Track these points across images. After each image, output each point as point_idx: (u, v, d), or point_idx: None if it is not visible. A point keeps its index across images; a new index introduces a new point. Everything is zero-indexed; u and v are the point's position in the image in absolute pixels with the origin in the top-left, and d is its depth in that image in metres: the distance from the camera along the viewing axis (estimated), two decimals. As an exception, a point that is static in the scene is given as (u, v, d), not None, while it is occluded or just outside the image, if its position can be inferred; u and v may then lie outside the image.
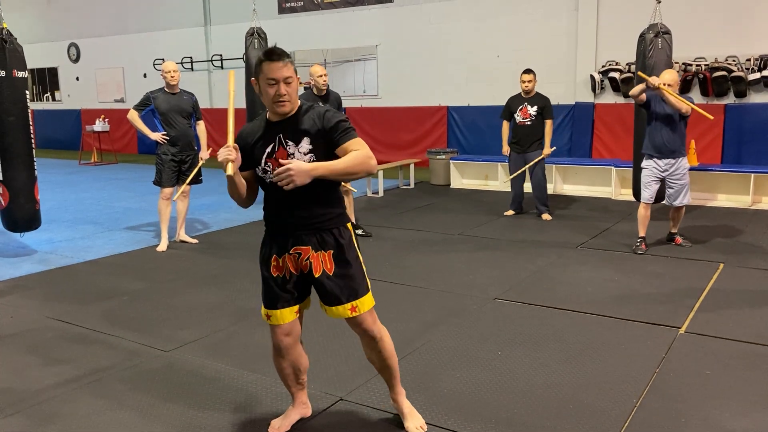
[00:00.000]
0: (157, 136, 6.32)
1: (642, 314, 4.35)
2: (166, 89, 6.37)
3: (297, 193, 2.56)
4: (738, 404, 3.13)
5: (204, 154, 6.61)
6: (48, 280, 5.46)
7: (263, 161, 2.66)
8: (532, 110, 7.32)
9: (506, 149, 7.61)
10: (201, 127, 6.71)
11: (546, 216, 7.48)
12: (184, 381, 3.52)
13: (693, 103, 5.65)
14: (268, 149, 2.66)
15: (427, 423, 3.01)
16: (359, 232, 6.80)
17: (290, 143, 2.64)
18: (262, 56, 2.59)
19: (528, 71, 7.39)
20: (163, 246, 6.41)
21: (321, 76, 6.37)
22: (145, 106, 6.34)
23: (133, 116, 6.32)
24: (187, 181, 6.47)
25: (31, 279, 5.54)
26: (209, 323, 4.38)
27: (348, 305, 2.72)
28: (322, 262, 2.70)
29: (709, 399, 3.19)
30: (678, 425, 2.95)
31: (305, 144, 2.62)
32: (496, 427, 2.97)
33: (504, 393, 3.30)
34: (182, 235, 6.70)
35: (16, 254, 6.40)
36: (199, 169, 6.58)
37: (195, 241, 6.70)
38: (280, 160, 2.57)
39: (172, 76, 6.30)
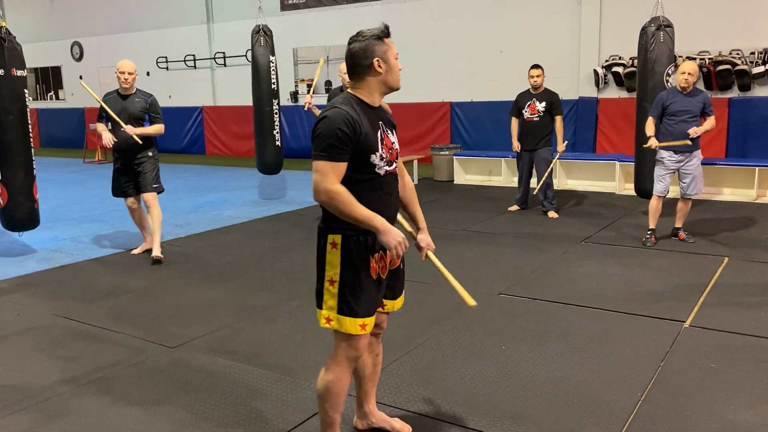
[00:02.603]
0: (106, 138, 5.69)
1: (647, 308, 4.35)
2: (120, 91, 5.82)
3: (396, 184, 2.57)
4: (743, 397, 3.13)
5: (130, 130, 5.65)
6: (53, 278, 5.48)
7: (380, 148, 2.43)
8: (540, 106, 7.26)
9: (516, 145, 7.48)
10: (155, 126, 5.87)
11: (552, 214, 7.40)
12: (190, 377, 3.54)
13: (710, 103, 5.81)
14: (378, 136, 2.45)
15: (432, 417, 3.02)
16: None
17: (388, 132, 2.53)
18: (383, 33, 2.44)
19: (536, 66, 7.32)
20: (140, 249, 6.15)
21: (346, 73, 6.35)
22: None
23: (99, 125, 5.89)
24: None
25: (37, 277, 5.56)
26: (214, 320, 4.40)
27: (402, 296, 2.74)
28: None
29: (713, 392, 3.19)
30: (683, 418, 2.95)
31: (395, 135, 2.59)
32: (501, 420, 2.98)
33: (509, 387, 3.31)
34: (154, 248, 5.88)
35: (21, 252, 6.42)
36: (159, 179, 5.95)
37: (160, 256, 5.84)
38: (418, 237, 2.61)
39: (125, 79, 5.68)
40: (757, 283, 4.82)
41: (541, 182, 7.34)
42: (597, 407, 3.07)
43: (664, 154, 5.87)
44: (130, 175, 5.87)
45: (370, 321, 2.49)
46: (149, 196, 5.85)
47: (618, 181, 8.92)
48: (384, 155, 2.45)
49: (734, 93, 9.16)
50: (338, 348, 2.53)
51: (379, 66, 2.41)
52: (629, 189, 8.67)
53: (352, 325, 2.46)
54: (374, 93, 2.47)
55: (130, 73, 5.69)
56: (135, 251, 6.17)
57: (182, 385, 3.43)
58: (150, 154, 5.88)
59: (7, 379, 3.57)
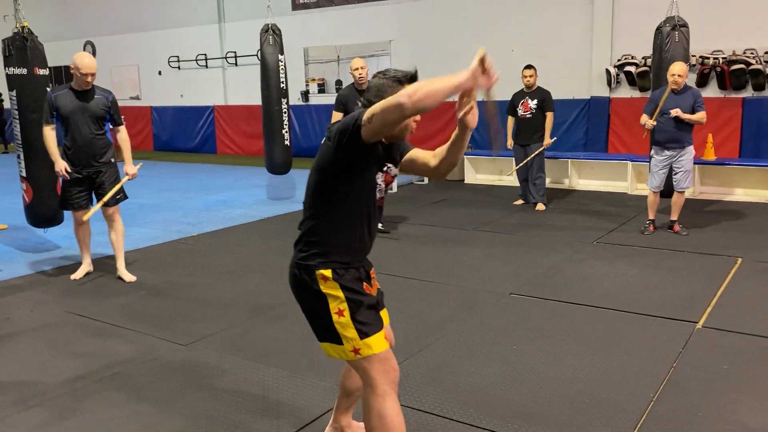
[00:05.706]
0: (61, 166, 4.99)
1: (659, 309, 4.33)
2: (74, 86, 5.05)
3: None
4: (756, 399, 3.11)
5: (130, 168, 5.24)
6: (66, 276, 5.51)
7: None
8: (533, 103, 7.70)
9: (510, 143, 8.04)
10: (123, 134, 5.36)
11: (540, 206, 7.77)
12: (201, 374, 3.55)
13: (701, 100, 6.06)
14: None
15: (442, 416, 3.02)
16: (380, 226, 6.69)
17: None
18: (406, 77, 2.45)
19: (529, 67, 7.79)
20: (79, 272, 5.39)
21: (356, 69, 6.37)
22: (52, 113, 5.06)
23: (49, 135, 5.05)
24: (104, 200, 5.15)
25: (50, 274, 5.61)
26: (226, 318, 4.42)
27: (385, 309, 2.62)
28: None
29: (726, 394, 3.17)
30: (695, 420, 2.93)
31: None
32: (511, 420, 2.97)
33: (519, 387, 3.30)
34: (121, 271, 5.36)
35: (35, 250, 6.48)
36: (122, 186, 5.29)
37: (133, 278, 5.32)
38: None
39: (94, 76, 5.00)
40: (770, 284, 4.79)
41: (519, 165, 7.91)
42: (609, 408, 3.06)
43: (657, 151, 6.20)
44: (86, 184, 5.17)
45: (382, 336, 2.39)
46: (114, 210, 5.28)
47: (630, 181, 8.88)
48: (381, 179, 2.63)
49: (748, 93, 9.07)
50: (374, 376, 2.33)
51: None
52: (642, 189, 8.63)
53: (379, 341, 2.33)
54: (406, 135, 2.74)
55: (93, 75, 5.03)
56: (75, 276, 5.39)
57: (194, 383, 3.45)
58: (112, 159, 5.27)
59: (21, 376, 3.61)
